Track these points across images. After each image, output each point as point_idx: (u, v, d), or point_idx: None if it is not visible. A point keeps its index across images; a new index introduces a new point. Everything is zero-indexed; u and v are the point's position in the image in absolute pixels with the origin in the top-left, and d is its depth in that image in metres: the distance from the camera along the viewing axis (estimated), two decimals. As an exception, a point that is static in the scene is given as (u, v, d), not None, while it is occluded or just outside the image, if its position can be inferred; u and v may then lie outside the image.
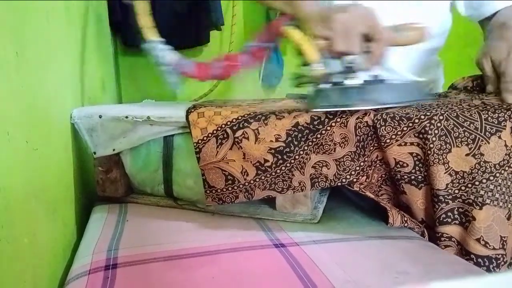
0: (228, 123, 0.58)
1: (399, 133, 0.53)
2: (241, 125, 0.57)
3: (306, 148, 0.56)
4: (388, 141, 0.53)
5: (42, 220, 0.48)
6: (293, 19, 0.63)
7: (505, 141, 0.51)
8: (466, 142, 0.51)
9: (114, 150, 0.68)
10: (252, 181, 0.58)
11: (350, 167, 0.55)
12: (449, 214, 0.52)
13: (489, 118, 0.51)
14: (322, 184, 0.56)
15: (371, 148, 0.55)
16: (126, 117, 0.65)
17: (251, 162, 0.57)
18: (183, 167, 0.66)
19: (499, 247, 0.50)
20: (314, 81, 0.60)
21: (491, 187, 0.50)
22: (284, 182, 0.57)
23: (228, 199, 0.59)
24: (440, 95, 0.71)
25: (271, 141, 0.56)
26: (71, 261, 0.51)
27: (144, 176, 0.70)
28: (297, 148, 0.56)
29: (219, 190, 0.59)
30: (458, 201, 0.52)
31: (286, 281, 0.43)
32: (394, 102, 0.56)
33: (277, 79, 1.70)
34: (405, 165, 0.54)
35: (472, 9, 0.88)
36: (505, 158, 0.51)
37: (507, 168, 0.51)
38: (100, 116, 0.67)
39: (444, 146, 0.51)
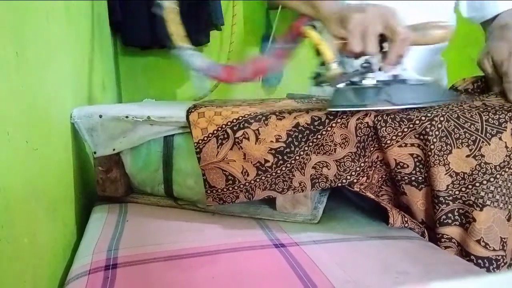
0: (229, 123, 0.58)
1: (399, 134, 0.53)
2: (241, 126, 0.57)
3: (306, 148, 0.56)
4: (388, 142, 0.53)
5: (42, 220, 0.48)
6: (312, 20, 0.64)
7: (505, 142, 0.51)
8: (466, 144, 0.51)
9: (114, 149, 0.68)
10: (252, 181, 0.58)
11: (350, 168, 0.55)
12: (450, 215, 0.52)
13: (490, 119, 0.51)
14: (323, 184, 0.56)
15: (372, 148, 0.55)
16: (126, 116, 0.65)
17: (251, 162, 0.57)
18: (183, 167, 0.66)
19: (499, 248, 0.50)
20: (330, 80, 0.61)
21: (492, 188, 0.50)
22: (285, 183, 0.57)
23: (228, 199, 0.59)
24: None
25: (272, 141, 0.56)
26: (71, 261, 0.51)
27: (144, 176, 0.70)
28: (297, 149, 0.56)
29: (219, 190, 0.59)
30: (459, 202, 0.52)
31: (286, 281, 0.43)
32: (409, 103, 0.55)
33: (277, 79, 1.70)
34: (405, 166, 0.54)
35: (475, 11, 0.88)
36: (505, 160, 0.51)
37: (507, 170, 0.51)
38: (100, 116, 0.66)
39: (445, 147, 0.51)
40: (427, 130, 0.51)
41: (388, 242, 0.53)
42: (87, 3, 0.99)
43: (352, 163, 0.55)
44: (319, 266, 0.45)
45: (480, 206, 0.50)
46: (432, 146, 0.51)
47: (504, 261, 0.51)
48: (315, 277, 0.43)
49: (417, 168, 0.53)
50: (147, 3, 1.42)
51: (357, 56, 0.59)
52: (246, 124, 0.57)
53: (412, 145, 0.53)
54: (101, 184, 0.70)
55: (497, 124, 0.51)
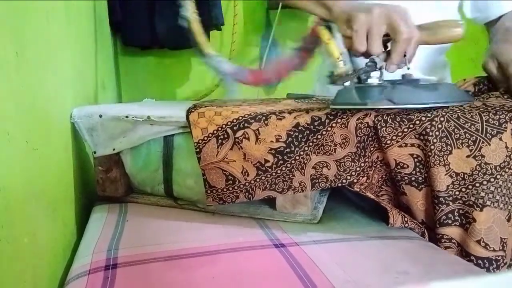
0: (229, 123, 0.58)
1: (399, 134, 0.53)
2: (241, 126, 0.57)
3: (306, 148, 0.56)
4: (388, 142, 0.53)
5: (42, 220, 0.48)
6: (326, 21, 0.65)
7: (506, 142, 0.51)
8: (467, 144, 0.51)
9: (114, 149, 0.68)
10: (252, 181, 0.58)
11: (350, 168, 0.55)
12: (450, 215, 0.52)
13: (490, 119, 0.51)
14: (323, 184, 0.56)
15: (372, 149, 0.55)
16: (126, 116, 0.65)
17: (251, 162, 0.57)
18: (183, 167, 0.66)
19: (499, 249, 0.50)
20: (339, 79, 0.62)
21: (492, 188, 0.50)
22: (285, 183, 0.57)
23: (228, 199, 0.59)
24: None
25: (272, 141, 0.56)
26: (71, 261, 0.51)
27: (144, 175, 0.70)
28: (297, 149, 0.56)
29: (219, 190, 0.59)
30: (459, 203, 0.52)
31: (286, 281, 0.43)
32: (410, 103, 0.54)
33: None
34: (405, 166, 0.54)
35: (478, 11, 0.88)
36: (505, 160, 0.50)
37: (507, 170, 0.51)
38: (100, 116, 0.66)
39: (445, 148, 0.51)
40: (427, 130, 0.51)
41: (388, 242, 0.53)
42: (87, 3, 0.98)
43: (352, 163, 0.55)
44: (319, 266, 0.46)
45: (480, 206, 0.50)
46: (432, 147, 0.51)
47: (504, 262, 0.51)
48: (315, 277, 0.43)
49: (417, 169, 0.53)
50: (147, 3, 1.43)
51: (364, 55, 0.60)
52: (246, 124, 0.57)
53: (412, 145, 0.53)
54: (101, 184, 0.70)
55: (497, 124, 0.51)
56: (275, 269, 0.46)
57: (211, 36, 1.59)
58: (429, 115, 0.52)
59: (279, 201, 0.62)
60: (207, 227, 0.59)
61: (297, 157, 0.56)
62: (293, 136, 0.56)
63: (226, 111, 0.59)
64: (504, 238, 0.51)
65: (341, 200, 0.69)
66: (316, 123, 0.55)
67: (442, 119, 0.51)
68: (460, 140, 0.51)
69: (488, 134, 0.51)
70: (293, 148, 0.56)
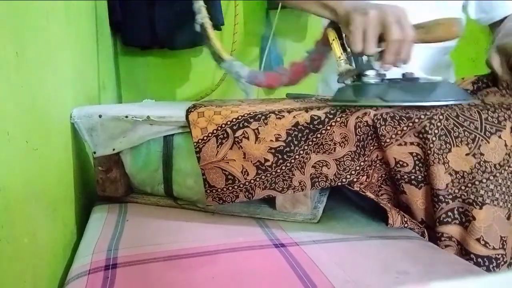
0: (228, 122, 0.58)
1: (399, 132, 0.53)
2: (241, 125, 0.57)
3: (306, 147, 0.56)
4: (388, 140, 0.53)
5: (42, 220, 0.48)
6: (335, 22, 0.68)
7: (505, 140, 0.51)
8: (466, 142, 0.51)
9: (114, 149, 0.68)
10: (252, 181, 0.58)
11: (350, 167, 0.55)
12: (449, 213, 0.52)
13: (489, 117, 0.51)
14: (322, 183, 0.56)
15: (371, 147, 0.55)
16: (126, 116, 0.65)
17: (251, 161, 0.57)
18: (183, 166, 0.66)
19: (499, 247, 0.50)
20: (341, 77, 0.65)
21: (491, 186, 0.50)
22: (284, 182, 0.57)
23: (228, 199, 0.59)
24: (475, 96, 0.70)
25: (271, 140, 0.56)
26: (71, 261, 0.51)
27: (144, 175, 0.70)
28: (297, 148, 0.56)
29: (219, 190, 0.59)
30: (458, 201, 0.52)
31: (286, 281, 0.43)
32: (401, 100, 0.56)
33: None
34: (405, 164, 0.54)
35: (483, 12, 0.88)
36: (505, 158, 0.51)
37: (507, 168, 0.51)
38: (100, 116, 0.67)
39: (444, 146, 0.51)
40: (426, 128, 0.51)
41: (388, 242, 0.53)
42: (87, 3, 0.99)
43: (352, 162, 0.55)
44: (319, 266, 0.46)
45: (480, 204, 0.50)
46: (431, 145, 0.51)
47: (504, 260, 0.51)
48: (315, 277, 0.43)
49: (417, 167, 0.53)
50: (147, 3, 1.43)
51: (361, 54, 0.63)
52: (245, 124, 0.57)
53: (412, 143, 0.53)
54: (101, 184, 0.70)
55: (496, 122, 0.51)
56: (275, 269, 0.46)
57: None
58: (428, 113, 0.52)
59: (279, 200, 0.62)
60: (207, 227, 0.59)
61: (297, 156, 0.56)
62: (292, 135, 0.56)
63: (226, 110, 0.60)
64: (504, 237, 0.51)
65: (341, 199, 0.69)
66: (315, 122, 0.55)
67: (441, 117, 0.51)
68: (459, 138, 0.51)
69: (487, 132, 0.51)
70: (292, 147, 0.56)
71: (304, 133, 0.56)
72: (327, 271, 0.44)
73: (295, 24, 1.74)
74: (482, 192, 0.50)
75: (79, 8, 0.87)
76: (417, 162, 0.53)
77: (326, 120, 0.55)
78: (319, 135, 0.55)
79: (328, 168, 0.56)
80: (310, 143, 0.56)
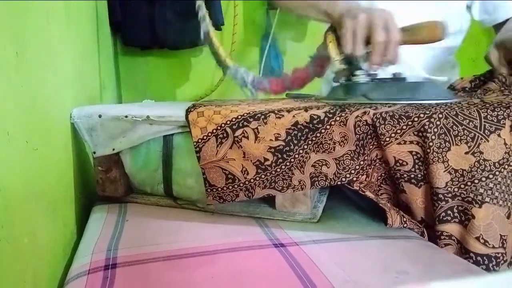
0: (228, 122, 0.58)
1: (398, 131, 0.53)
2: (240, 124, 0.57)
3: (305, 147, 0.56)
4: (387, 139, 0.53)
5: (42, 220, 0.48)
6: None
7: (504, 139, 0.51)
8: (465, 140, 0.51)
9: (114, 149, 0.68)
10: (252, 180, 0.58)
11: (349, 166, 0.55)
12: (449, 212, 0.52)
13: (488, 116, 0.51)
14: (322, 183, 0.56)
15: (371, 146, 0.55)
16: (126, 116, 0.65)
17: (251, 161, 0.57)
18: (183, 166, 0.66)
19: (499, 246, 0.50)
20: (336, 76, 0.71)
21: (491, 185, 0.50)
22: (284, 181, 0.57)
23: (228, 198, 0.59)
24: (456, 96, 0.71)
25: (271, 140, 0.56)
26: (71, 260, 0.51)
27: (144, 175, 0.70)
28: (296, 147, 0.56)
29: (219, 189, 0.59)
30: (458, 199, 0.52)
31: (285, 281, 0.43)
32: (383, 98, 0.61)
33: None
34: (404, 163, 0.54)
35: (487, 14, 0.88)
36: (504, 157, 0.51)
37: (506, 167, 0.51)
38: (100, 116, 0.67)
39: (444, 145, 0.51)
40: (426, 127, 0.51)
41: (387, 241, 0.53)
42: (87, 3, 0.99)
43: (352, 161, 0.55)
44: (319, 266, 0.46)
45: (479, 203, 0.50)
46: (430, 143, 0.51)
47: (504, 259, 0.51)
48: (314, 277, 0.43)
49: (416, 166, 0.53)
50: (147, 3, 1.43)
51: (351, 56, 0.68)
52: (245, 123, 0.57)
53: (411, 142, 0.53)
54: (101, 184, 0.70)
55: (495, 121, 0.51)
56: (274, 269, 0.46)
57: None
58: (427, 112, 0.52)
59: (279, 200, 0.62)
60: (207, 227, 0.59)
61: (297, 156, 0.56)
62: (292, 135, 0.56)
63: (225, 110, 0.60)
64: (504, 235, 0.51)
65: (340, 199, 0.69)
66: (315, 121, 0.55)
67: (440, 116, 0.52)
68: (459, 137, 0.51)
69: (486, 131, 0.51)
70: (292, 147, 0.56)
71: (304, 132, 0.56)
72: (326, 271, 0.44)
73: (295, 24, 1.74)
74: (481, 190, 0.50)
75: (79, 8, 0.87)
76: (416, 161, 0.53)
77: (326, 119, 0.55)
78: (318, 134, 0.55)
79: (328, 167, 0.56)
80: (310, 142, 0.56)
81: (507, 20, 0.84)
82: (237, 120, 0.58)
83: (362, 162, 0.55)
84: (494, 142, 0.50)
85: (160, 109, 0.69)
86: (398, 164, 0.54)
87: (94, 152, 0.68)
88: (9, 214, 0.37)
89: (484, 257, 0.50)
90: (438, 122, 0.51)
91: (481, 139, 0.51)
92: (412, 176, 0.54)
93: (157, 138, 0.67)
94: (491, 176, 0.50)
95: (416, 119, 0.52)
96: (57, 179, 0.57)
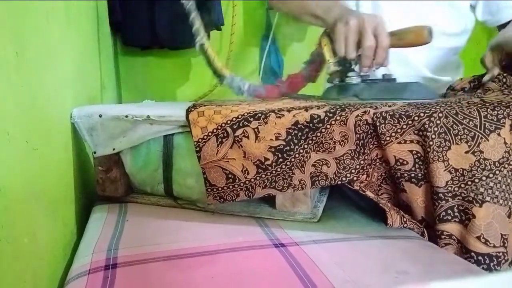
0: (228, 122, 0.58)
1: (398, 130, 0.53)
2: (241, 124, 0.57)
3: (306, 146, 0.56)
4: (388, 138, 0.53)
5: (42, 220, 0.48)
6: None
7: (504, 138, 0.51)
8: (465, 140, 0.51)
9: (114, 149, 0.68)
10: (252, 180, 0.58)
11: (350, 166, 0.55)
12: (449, 211, 0.52)
13: (488, 115, 0.51)
14: (322, 182, 0.56)
15: (371, 146, 0.55)
16: (126, 116, 0.65)
17: (251, 160, 0.57)
18: (183, 166, 0.66)
19: (500, 245, 0.50)
20: (330, 78, 0.76)
21: (491, 184, 0.50)
22: (285, 181, 0.57)
23: (229, 197, 0.59)
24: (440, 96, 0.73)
25: (271, 139, 0.56)
26: (71, 261, 0.51)
27: (144, 175, 0.70)
28: (297, 147, 0.56)
29: (220, 189, 0.59)
30: (458, 199, 0.52)
31: (285, 281, 0.43)
32: (373, 98, 0.65)
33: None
34: (405, 162, 0.54)
35: (490, 15, 0.89)
36: (504, 156, 0.50)
37: (506, 166, 0.51)
38: (100, 116, 0.67)
39: (444, 144, 0.51)
40: (426, 126, 0.51)
41: (387, 241, 0.53)
42: (87, 3, 0.99)
43: (352, 161, 0.55)
44: (319, 266, 0.45)
45: (480, 202, 0.50)
46: (431, 142, 0.51)
47: (505, 258, 0.51)
48: (314, 277, 0.43)
49: (417, 165, 0.53)
50: (147, 3, 1.43)
51: (344, 59, 0.72)
52: (245, 123, 0.57)
53: (412, 141, 0.53)
54: (101, 184, 0.70)
55: (495, 120, 0.51)
56: (274, 269, 0.46)
57: (211, 36, 1.59)
58: (427, 111, 0.52)
59: (279, 199, 0.62)
60: (207, 227, 0.59)
61: (297, 155, 0.56)
62: (292, 134, 0.56)
63: (226, 110, 0.60)
64: (505, 235, 0.50)
65: (340, 199, 0.69)
66: (315, 121, 0.55)
67: (440, 115, 0.52)
68: (459, 136, 0.51)
69: (486, 130, 0.51)
70: (292, 146, 0.56)
71: (304, 132, 0.56)
72: (326, 271, 0.44)
73: (295, 24, 1.74)
74: (481, 189, 0.50)
75: (79, 8, 0.87)
76: (417, 160, 0.53)
77: (326, 118, 0.55)
78: (319, 134, 0.55)
79: (328, 167, 0.56)
80: (310, 141, 0.56)
81: (510, 21, 0.84)
82: (237, 119, 0.58)
83: (362, 162, 0.55)
84: (494, 141, 0.50)
85: (160, 109, 0.69)
86: (398, 163, 0.54)
87: (95, 152, 0.68)
88: (9, 214, 0.37)
89: (485, 257, 0.50)
90: (438, 121, 0.51)
91: (481, 138, 0.51)
92: (413, 175, 0.54)
93: (157, 138, 0.67)
94: (491, 175, 0.50)
95: (416, 118, 0.52)
96: (57, 179, 0.57)
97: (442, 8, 0.88)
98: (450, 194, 0.52)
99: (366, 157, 0.55)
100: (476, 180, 0.51)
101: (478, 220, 0.50)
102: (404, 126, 0.52)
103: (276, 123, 0.56)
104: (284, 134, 0.56)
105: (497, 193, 0.50)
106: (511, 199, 0.51)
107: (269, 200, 0.63)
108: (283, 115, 0.57)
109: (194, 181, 0.65)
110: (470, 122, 0.51)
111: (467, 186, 0.51)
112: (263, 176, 0.57)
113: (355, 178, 0.55)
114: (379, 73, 0.77)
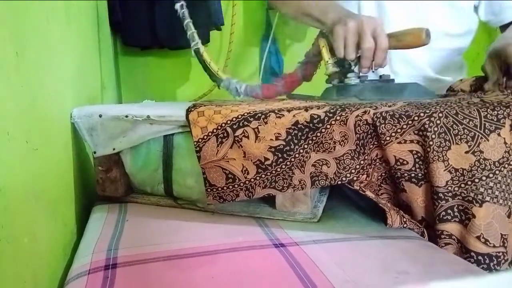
0: (228, 121, 0.58)
1: (398, 130, 0.53)
2: (241, 124, 0.57)
3: (306, 146, 0.56)
4: (388, 138, 0.53)
5: (42, 220, 0.48)
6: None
7: (504, 138, 0.51)
8: (465, 140, 0.51)
9: (114, 149, 0.68)
10: (252, 180, 0.58)
11: (350, 166, 0.55)
12: (449, 211, 0.52)
13: (488, 115, 0.51)
14: (322, 182, 0.56)
15: (371, 146, 0.55)
16: (126, 116, 0.65)
17: (251, 160, 0.57)
18: (183, 166, 0.66)
19: (500, 245, 0.50)
20: (329, 78, 0.77)
21: (491, 184, 0.50)
22: (285, 181, 0.57)
23: (229, 197, 0.59)
24: (438, 96, 0.73)
25: (271, 139, 0.56)
26: (71, 261, 0.51)
27: (144, 175, 0.70)
28: (297, 147, 0.56)
29: (220, 189, 0.59)
30: (458, 199, 0.52)
31: (285, 281, 0.43)
32: (372, 99, 0.66)
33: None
34: (405, 162, 0.54)
35: (493, 15, 0.89)
36: (504, 156, 0.50)
37: (506, 166, 0.51)
38: (100, 116, 0.67)
39: (444, 144, 0.51)
40: (426, 126, 0.51)
41: (387, 241, 0.53)
42: (87, 3, 0.99)
43: (352, 161, 0.55)
44: (319, 266, 0.45)
45: (480, 202, 0.50)
46: (431, 142, 0.51)
47: (505, 258, 0.51)
48: (314, 277, 0.43)
49: (417, 165, 0.53)
50: (147, 3, 1.43)
51: (344, 60, 0.73)
52: (245, 123, 0.57)
53: (412, 141, 0.53)
54: (101, 184, 0.70)
55: (495, 120, 0.51)
56: (274, 269, 0.46)
57: (211, 36, 1.59)
58: (427, 111, 0.52)
59: (279, 199, 0.62)
60: (207, 227, 0.59)
61: (297, 155, 0.56)
62: (292, 134, 0.56)
63: (226, 110, 0.60)
64: (505, 235, 0.50)
65: (340, 199, 0.69)
66: (315, 121, 0.55)
67: (440, 115, 0.52)
68: (459, 136, 0.51)
69: (486, 130, 0.51)
70: (292, 146, 0.56)
71: (304, 132, 0.56)
72: (327, 271, 0.44)
73: (295, 24, 1.74)
74: (481, 189, 0.50)
75: (79, 8, 0.87)
76: (417, 160, 0.53)
77: (326, 118, 0.55)
78: (319, 134, 0.55)
79: (328, 167, 0.56)
80: (310, 142, 0.56)
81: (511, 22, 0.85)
82: (237, 119, 0.58)
83: (362, 162, 0.55)
84: (494, 141, 0.50)
85: (160, 109, 0.69)
86: (398, 163, 0.54)
87: (95, 152, 0.68)
88: (9, 214, 0.37)
89: (485, 256, 0.50)
90: (438, 121, 0.51)
91: (481, 138, 0.51)
92: (413, 175, 0.54)
93: (157, 138, 0.67)
94: (491, 175, 0.50)
95: (416, 118, 0.52)
96: (57, 179, 0.57)
97: (446, 9, 0.89)
98: (450, 194, 0.52)
99: (366, 157, 0.55)
100: (476, 180, 0.51)
101: (478, 220, 0.50)
102: (404, 126, 0.52)
103: (276, 123, 0.56)
104: (284, 134, 0.56)
105: (497, 193, 0.50)
106: (511, 199, 0.51)
107: (269, 200, 0.63)
108: (283, 115, 0.57)
109: (194, 181, 0.65)
110: (470, 122, 0.51)
111: (467, 186, 0.51)
112: (263, 176, 0.57)
113: (355, 178, 0.55)
114: (377, 74, 0.78)
